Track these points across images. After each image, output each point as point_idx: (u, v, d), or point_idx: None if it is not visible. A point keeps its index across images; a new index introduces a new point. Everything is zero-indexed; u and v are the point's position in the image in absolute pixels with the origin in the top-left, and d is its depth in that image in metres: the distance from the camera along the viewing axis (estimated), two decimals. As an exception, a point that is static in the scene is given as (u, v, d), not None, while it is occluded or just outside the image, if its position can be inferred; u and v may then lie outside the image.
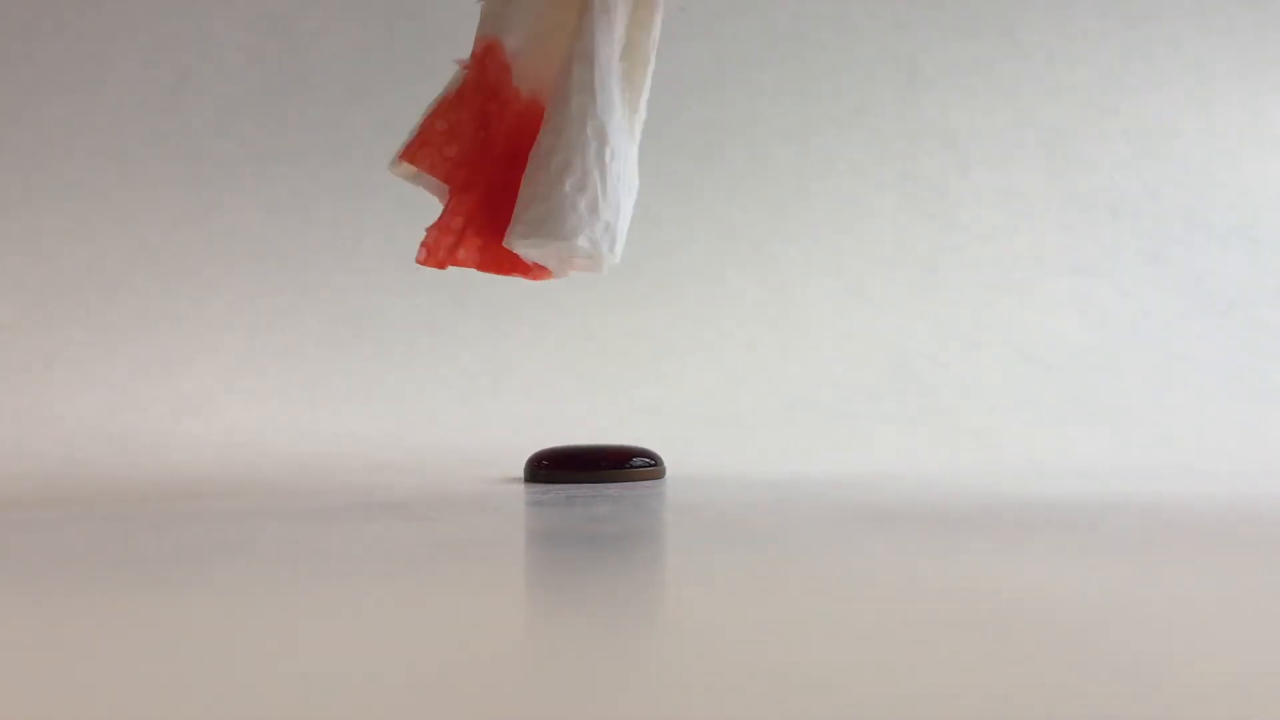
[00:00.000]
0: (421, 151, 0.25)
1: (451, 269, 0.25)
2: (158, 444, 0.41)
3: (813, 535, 0.18)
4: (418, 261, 0.26)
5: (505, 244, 0.24)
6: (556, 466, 0.26)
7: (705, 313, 0.49)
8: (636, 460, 0.26)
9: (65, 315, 0.48)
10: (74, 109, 0.51)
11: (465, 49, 0.55)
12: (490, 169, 0.25)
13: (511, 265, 0.25)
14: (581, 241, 0.24)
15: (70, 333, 0.47)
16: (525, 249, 0.24)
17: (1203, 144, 0.52)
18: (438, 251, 0.25)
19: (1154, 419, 0.44)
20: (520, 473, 0.27)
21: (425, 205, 0.52)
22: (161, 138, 0.51)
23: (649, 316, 0.44)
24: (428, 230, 0.26)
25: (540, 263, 0.25)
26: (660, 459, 0.27)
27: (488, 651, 0.11)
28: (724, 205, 0.48)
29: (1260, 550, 0.17)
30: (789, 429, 0.43)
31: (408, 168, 0.25)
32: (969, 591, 0.14)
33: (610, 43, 0.25)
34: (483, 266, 0.25)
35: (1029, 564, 0.15)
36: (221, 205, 0.51)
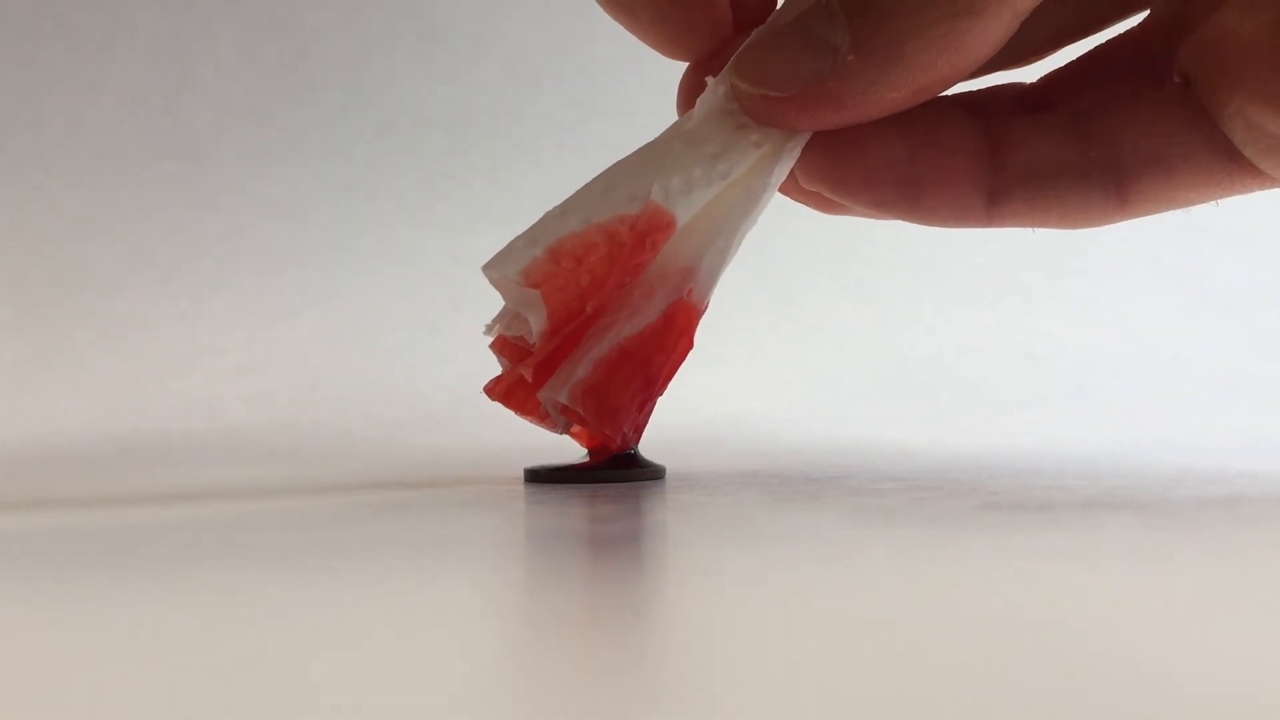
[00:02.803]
0: (555, 296, 0.22)
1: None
2: (158, 444, 0.41)
3: (813, 536, 0.18)
4: (486, 389, 0.25)
5: (542, 394, 0.24)
6: (556, 469, 0.26)
7: (705, 314, 0.49)
8: (636, 461, 0.26)
9: (65, 315, 0.48)
10: (74, 109, 0.51)
11: (465, 50, 0.55)
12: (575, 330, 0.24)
13: (524, 407, 0.25)
14: (619, 438, 0.25)
15: (70, 333, 0.47)
16: (556, 406, 0.24)
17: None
18: (499, 385, 0.25)
19: (1154, 419, 0.44)
20: (520, 473, 0.27)
21: (425, 205, 0.52)
22: (161, 138, 0.51)
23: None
24: (499, 346, 0.25)
25: (559, 419, 0.25)
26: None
27: (488, 651, 0.11)
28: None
29: (1260, 552, 0.17)
30: (789, 430, 0.43)
31: (517, 287, 0.22)
32: (970, 592, 0.14)
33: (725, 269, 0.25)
34: (505, 400, 0.25)
35: (1029, 564, 0.15)
36: (221, 205, 0.51)
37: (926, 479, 0.26)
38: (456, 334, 0.48)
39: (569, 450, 0.27)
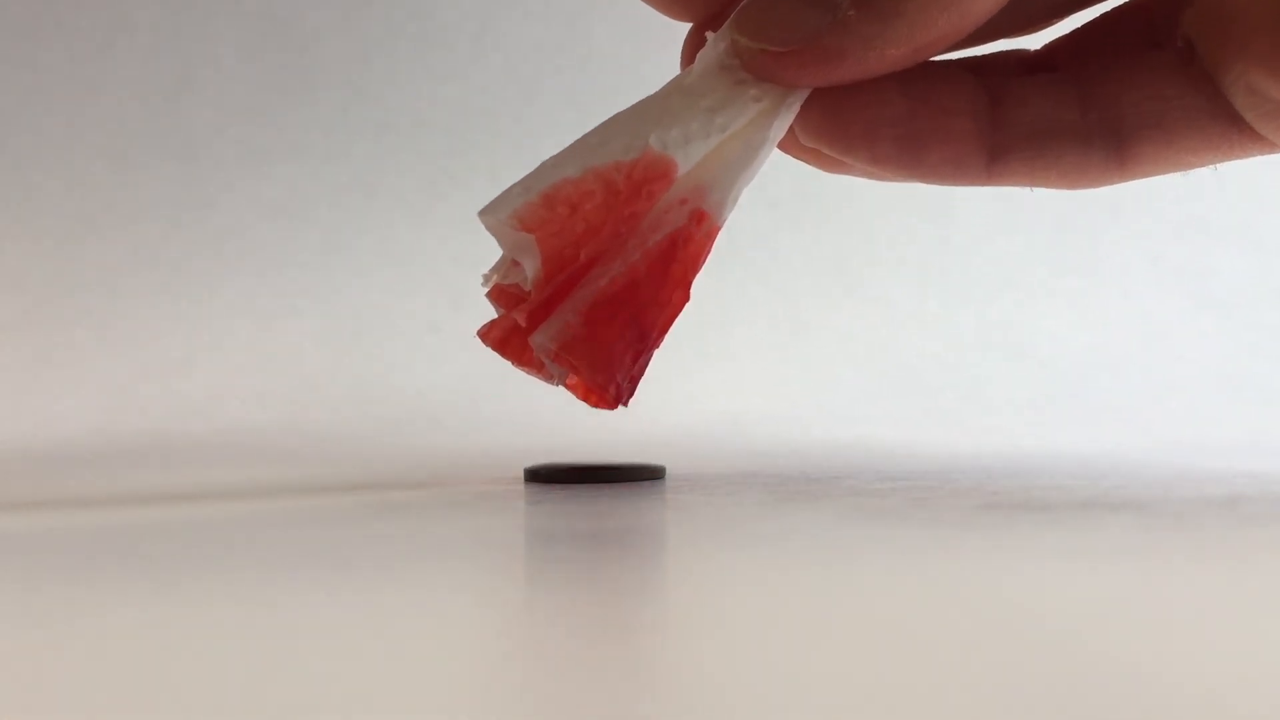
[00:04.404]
0: (549, 242, 0.23)
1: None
2: (158, 445, 0.41)
3: (813, 535, 0.18)
4: (480, 334, 0.25)
5: (533, 339, 0.24)
6: (556, 469, 0.26)
7: (705, 313, 0.49)
8: (635, 461, 0.26)
9: (65, 315, 0.48)
10: (74, 109, 0.51)
11: (465, 50, 0.55)
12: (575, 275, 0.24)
13: (521, 358, 0.25)
14: (611, 388, 0.24)
15: (70, 333, 0.47)
16: (547, 351, 0.24)
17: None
18: (493, 330, 0.25)
19: (1154, 419, 0.44)
20: (520, 473, 0.27)
21: (425, 205, 0.52)
22: (161, 138, 0.51)
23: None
24: (495, 295, 0.25)
25: (554, 369, 0.24)
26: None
27: (487, 651, 0.11)
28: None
29: (1260, 552, 0.17)
30: (789, 429, 0.43)
31: (512, 231, 0.23)
32: (970, 592, 0.14)
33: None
34: (500, 349, 0.25)
35: (1029, 564, 0.15)
36: (220, 205, 0.51)
37: (926, 479, 0.26)
38: (456, 334, 0.48)
39: (569, 450, 0.27)
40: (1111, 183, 0.23)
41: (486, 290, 0.25)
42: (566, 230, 0.23)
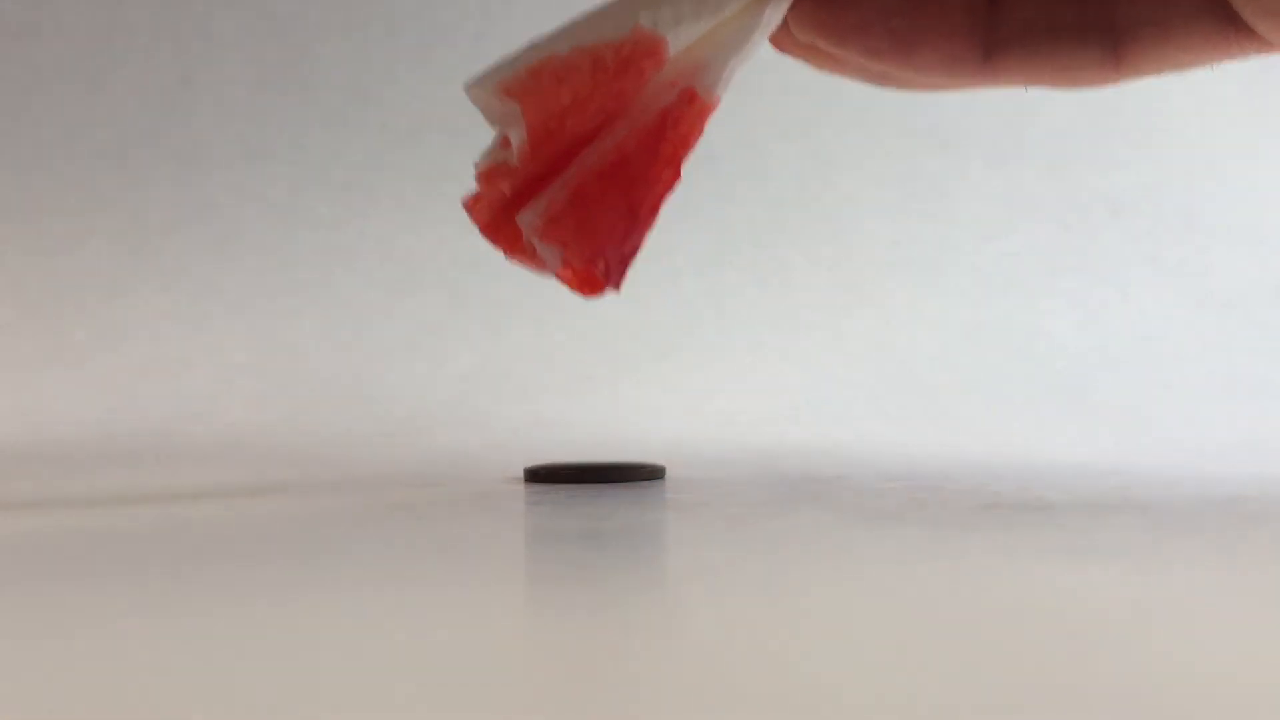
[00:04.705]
0: (535, 113, 0.23)
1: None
2: (158, 445, 0.41)
3: (813, 536, 0.18)
4: (465, 204, 0.24)
5: (521, 217, 0.23)
6: (555, 471, 0.26)
7: (705, 313, 0.49)
8: (635, 461, 0.26)
9: (65, 315, 0.48)
10: (74, 109, 0.51)
11: (465, 50, 0.55)
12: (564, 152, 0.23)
13: (513, 245, 0.24)
14: (600, 264, 0.24)
15: (70, 333, 0.47)
16: (535, 229, 0.23)
17: (1203, 144, 0.52)
18: (479, 203, 0.24)
19: (1154, 419, 0.44)
20: (520, 473, 0.27)
21: (425, 205, 0.51)
22: (161, 138, 0.51)
23: (649, 316, 0.44)
24: (485, 177, 0.24)
25: (544, 251, 0.24)
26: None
27: (488, 652, 0.11)
28: (723, 205, 0.48)
29: (1261, 551, 0.17)
30: (789, 429, 0.43)
31: (499, 101, 0.22)
32: (969, 592, 0.14)
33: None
34: (492, 236, 0.24)
35: (1029, 564, 0.15)
36: (221, 205, 0.51)
37: (926, 479, 0.26)
38: (456, 334, 0.48)
39: (569, 450, 0.27)
40: (1108, 82, 0.23)
41: (477, 174, 0.25)
42: (552, 101, 0.23)
